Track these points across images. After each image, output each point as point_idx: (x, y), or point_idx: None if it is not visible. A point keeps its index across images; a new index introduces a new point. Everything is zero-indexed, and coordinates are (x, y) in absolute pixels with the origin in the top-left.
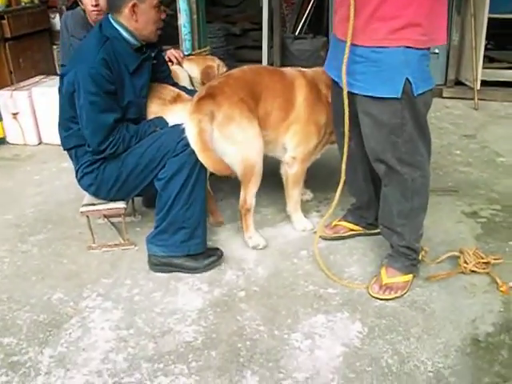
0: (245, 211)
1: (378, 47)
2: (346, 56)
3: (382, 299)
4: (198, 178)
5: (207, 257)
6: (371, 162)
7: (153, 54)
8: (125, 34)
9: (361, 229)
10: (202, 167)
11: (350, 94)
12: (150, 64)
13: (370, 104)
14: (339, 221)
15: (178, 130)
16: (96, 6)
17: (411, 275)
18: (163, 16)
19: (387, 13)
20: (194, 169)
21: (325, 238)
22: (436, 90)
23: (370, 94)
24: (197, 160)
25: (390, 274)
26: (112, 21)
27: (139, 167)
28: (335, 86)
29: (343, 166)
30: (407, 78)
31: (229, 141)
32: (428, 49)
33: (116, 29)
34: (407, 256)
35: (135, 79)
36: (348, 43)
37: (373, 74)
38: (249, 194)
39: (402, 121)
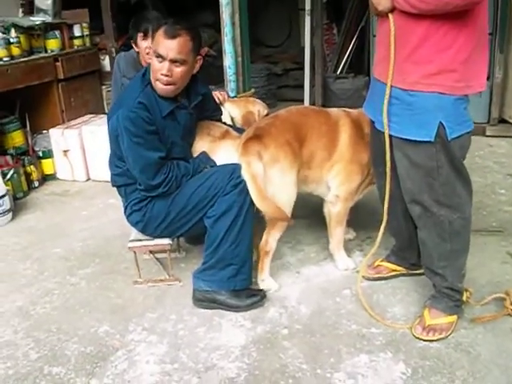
0: (264, 253)
1: (411, 90)
2: (386, 97)
3: (425, 340)
4: (247, 216)
5: (250, 296)
6: (406, 203)
7: (192, 105)
8: None
9: (403, 269)
10: (251, 206)
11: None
12: (186, 113)
13: (406, 146)
14: (381, 261)
15: (228, 169)
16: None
17: (455, 316)
18: (164, 71)
19: (422, 57)
20: (243, 207)
21: (367, 279)
22: (479, 128)
23: (404, 137)
24: (245, 199)
25: (433, 315)
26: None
27: (188, 207)
28: (373, 126)
29: (385, 206)
30: (441, 122)
31: (268, 181)
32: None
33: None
34: (450, 297)
35: (173, 123)
36: (388, 84)
37: (407, 116)
38: (271, 236)
39: (437, 163)
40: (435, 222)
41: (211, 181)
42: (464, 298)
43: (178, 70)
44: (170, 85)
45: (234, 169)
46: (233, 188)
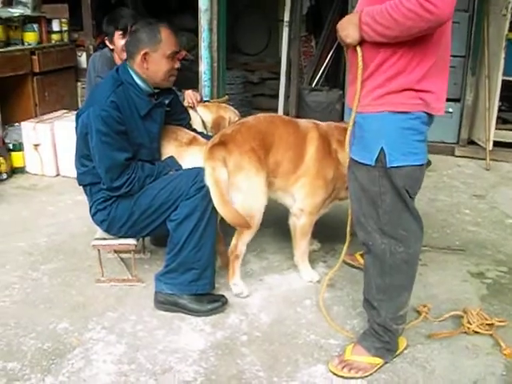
0: (234, 257)
1: (362, 112)
2: (350, 123)
3: (338, 375)
4: (209, 220)
5: (211, 301)
6: (354, 224)
7: (166, 101)
8: (138, 80)
9: None
10: (214, 210)
11: None
12: (162, 111)
13: (356, 168)
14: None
15: (192, 173)
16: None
17: (380, 360)
18: (177, 65)
19: (374, 83)
20: (205, 212)
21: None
22: (448, 148)
23: (354, 158)
24: (208, 203)
25: (355, 352)
26: (128, 67)
27: (152, 208)
28: None
29: (348, 228)
30: (382, 148)
31: (234, 188)
32: (420, 121)
33: (130, 74)
34: (379, 336)
35: (147, 124)
36: (353, 110)
37: (358, 138)
38: (241, 241)
39: (380, 189)
40: (377, 252)
41: (175, 183)
42: (397, 339)
43: None
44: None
45: (198, 173)
46: (196, 192)
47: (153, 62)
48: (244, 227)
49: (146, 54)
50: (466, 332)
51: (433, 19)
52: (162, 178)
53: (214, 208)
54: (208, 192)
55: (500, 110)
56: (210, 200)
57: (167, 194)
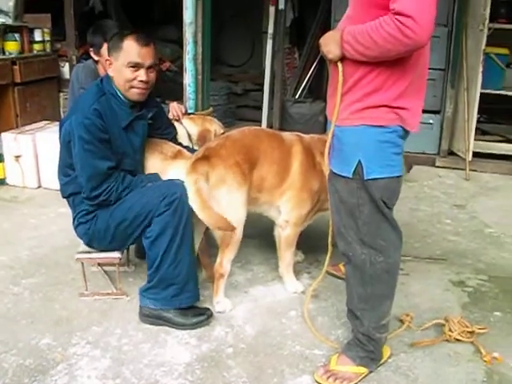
0: (219, 275)
1: (341, 126)
2: (329, 135)
3: None
4: (184, 236)
5: (196, 315)
6: (335, 235)
7: (149, 115)
8: (118, 91)
9: None
10: (187, 225)
11: None
12: (145, 123)
13: (336, 179)
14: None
15: (162, 187)
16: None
17: (365, 369)
18: (142, 78)
19: (352, 98)
20: (177, 228)
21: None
22: (429, 159)
23: (333, 171)
24: (181, 218)
25: (340, 361)
26: (110, 77)
27: (126, 222)
28: None
29: (329, 239)
30: (360, 160)
31: (215, 202)
32: (397, 135)
33: (112, 86)
34: (363, 345)
35: (129, 135)
36: (333, 123)
37: (337, 151)
38: (225, 259)
39: (358, 201)
40: (357, 262)
41: (146, 198)
42: (381, 348)
43: (152, 74)
44: (146, 90)
45: (169, 186)
46: (166, 208)
47: (114, 70)
48: (228, 230)
49: (108, 60)
50: (447, 340)
51: (411, 44)
52: (136, 191)
53: (187, 222)
54: (178, 206)
55: (479, 122)
56: (182, 214)
57: (139, 207)
